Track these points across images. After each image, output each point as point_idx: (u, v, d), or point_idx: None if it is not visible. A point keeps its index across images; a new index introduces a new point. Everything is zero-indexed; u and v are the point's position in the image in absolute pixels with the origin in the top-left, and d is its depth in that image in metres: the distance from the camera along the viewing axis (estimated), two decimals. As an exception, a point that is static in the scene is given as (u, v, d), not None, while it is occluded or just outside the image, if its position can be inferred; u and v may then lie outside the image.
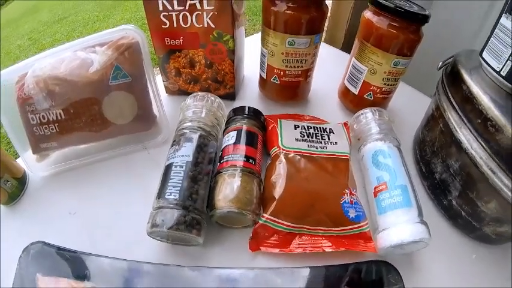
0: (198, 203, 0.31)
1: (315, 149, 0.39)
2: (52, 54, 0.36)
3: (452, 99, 0.35)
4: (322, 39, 0.71)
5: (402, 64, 0.41)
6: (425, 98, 0.52)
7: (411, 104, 0.50)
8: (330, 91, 0.53)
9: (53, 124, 0.37)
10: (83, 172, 0.40)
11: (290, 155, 0.37)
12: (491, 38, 0.33)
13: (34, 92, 0.35)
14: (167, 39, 0.43)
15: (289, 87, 0.46)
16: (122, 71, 0.37)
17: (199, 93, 0.40)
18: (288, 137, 0.39)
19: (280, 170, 0.35)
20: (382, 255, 0.32)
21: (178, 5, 0.40)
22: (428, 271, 0.33)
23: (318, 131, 0.41)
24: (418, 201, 0.34)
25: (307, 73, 0.45)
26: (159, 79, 0.49)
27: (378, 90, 0.44)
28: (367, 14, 0.42)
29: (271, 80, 0.46)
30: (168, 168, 0.33)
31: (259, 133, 0.38)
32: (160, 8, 0.40)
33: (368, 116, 0.41)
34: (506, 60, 0.30)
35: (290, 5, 0.38)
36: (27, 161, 0.38)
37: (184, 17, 0.41)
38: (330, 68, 0.53)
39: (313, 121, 0.44)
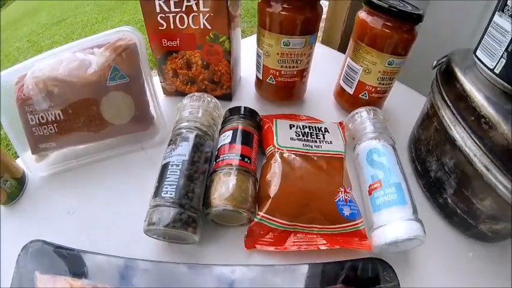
0: (194, 201, 0.32)
1: (310, 148, 0.39)
2: (51, 56, 0.37)
3: (446, 98, 0.36)
4: (319, 40, 0.73)
5: (396, 63, 0.42)
6: (421, 97, 0.53)
7: (407, 103, 0.51)
8: (326, 91, 0.54)
9: (52, 124, 0.38)
10: (81, 172, 0.41)
11: (285, 154, 0.38)
12: (485, 36, 0.34)
13: (33, 92, 0.36)
14: (164, 41, 0.44)
15: (284, 87, 0.47)
16: (119, 72, 0.38)
17: (196, 93, 0.41)
18: (283, 136, 0.40)
19: (275, 169, 0.36)
20: (377, 253, 0.33)
21: (175, 7, 0.41)
22: (424, 269, 0.34)
23: (313, 130, 0.42)
24: (413, 199, 0.34)
25: (302, 73, 0.46)
26: (156, 80, 0.50)
27: (373, 89, 0.45)
28: (362, 14, 0.43)
29: (267, 80, 0.47)
30: (164, 167, 0.34)
31: (254, 133, 0.39)
32: (158, 10, 0.41)
33: (363, 115, 0.42)
34: (500, 58, 0.31)
35: (285, 6, 0.39)
36: (26, 161, 0.39)
37: (181, 19, 0.42)
38: (326, 68, 0.54)
39: (309, 121, 0.45)
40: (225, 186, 0.33)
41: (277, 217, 0.33)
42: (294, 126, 0.42)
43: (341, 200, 0.35)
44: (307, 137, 0.41)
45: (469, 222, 0.35)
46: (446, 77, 0.37)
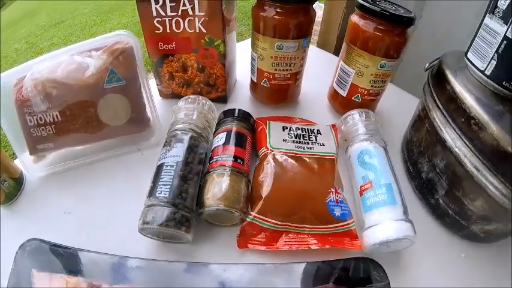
0: (188, 201, 0.33)
1: (302, 150, 0.41)
2: (50, 58, 0.39)
3: (437, 100, 0.37)
4: (315, 43, 0.74)
5: (389, 66, 0.43)
6: (415, 99, 0.54)
7: (401, 105, 0.52)
8: (320, 94, 0.55)
9: (50, 126, 0.39)
10: (78, 173, 0.42)
11: (277, 156, 0.39)
12: (476, 39, 0.35)
13: (32, 94, 0.37)
14: (161, 44, 0.46)
15: (279, 90, 0.48)
16: (116, 75, 0.39)
17: (191, 96, 0.42)
18: (276, 138, 0.41)
19: (268, 170, 0.37)
20: (368, 253, 0.34)
21: (171, 11, 0.42)
22: (416, 270, 0.35)
23: (305, 132, 0.43)
24: (404, 199, 0.35)
25: (296, 76, 0.48)
26: (152, 83, 0.51)
27: (366, 92, 0.46)
28: (354, 18, 0.44)
29: (261, 83, 0.48)
30: (159, 168, 0.35)
31: (248, 134, 0.41)
32: (154, 14, 0.42)
33: (355, 118, 0.43)
34: (490, 60, 0.32)
35: (278, 10, 0.40)
36: (24, 161, 0.40)
37: (177, 23, 0.43)
38: (321, 71, 0.56)
39: (302, 123, 0.46)
40: (218, 187, 0.34)
41: (269, 217, 0.34)
42: (286, 128, 0.43)
43: (332, 200, 0.36)
44: (299, 138, 0.42)
45: (461, 223, 0.36)
46: (438, 79, 0.38)
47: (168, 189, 0.33)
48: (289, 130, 0.43)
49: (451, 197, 0.36)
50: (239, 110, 0.42)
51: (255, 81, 0.49)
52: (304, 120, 0.48)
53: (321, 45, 0.72)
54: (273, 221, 0.34)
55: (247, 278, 0.31)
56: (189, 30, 0.44)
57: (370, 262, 0.33)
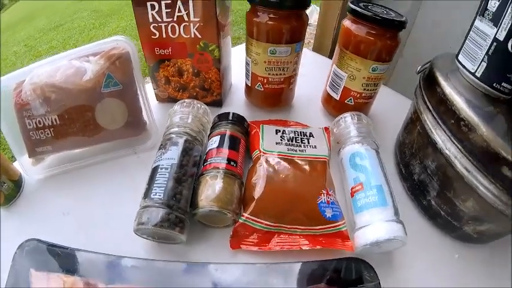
0: (182, 203, 0.34)
1: (294, 152, 0.42)
2: (48, 63, 0.40)
3: (427, 102, 0.38)
4: (311, 47, 0.76)
5: (380, 69, 0.45)
6: (409, 101, 0.54)
7: (395, 108, 0.53)
8: (314, 97, 0.56)
9: (49, 129, 0.40)
10: (76, 175, 0.43)
11: (270, 158, 0.40)
12: (466, 41, 0.36)
13: (31, 98, 0.38)
14: (157, 49, 0.47)
15: (272, 94, 0.50)
16: (113, 79, 0.40)
17: (186, 100, 0.43)
18: (269, 141, 0.43)
19: (260, 172, 0.39)
20: (360, 254, 0.34)
21: (167, 17, 0.44)
22: (408, 271, 0.35)
23: (298, 135, 0.45)
24: (395, 200, 0.36)
25: (289, 80, 0.49)
26: (149, 87, 0.53)
27: (358, 95, 0.48)
28: (346, 23, 0.45)
29: (256, 87, 0.50)
30: (154, 170, 0.36)
31: (241, 138, 0.42)
32: (150, 20, 0.44)
33: (347, 120, 0.44)
34: (481, 62, 0.33)
35: (271, 16, 0.42)
36: (23, 164, 0.41)
37: (173, 28, 0.45)
38: (316, 74, 0.57)
39: (296, 126, 0.48)
40: (211, 189, 0.35)
41: (261, 218, 0.36)
42: (279, 131, 0.45)
43: (323, 202, 0.37)
44: (292, 141, 0.44)
45: (453, 223, 0.37)
46: (429, 82, 0.39)
47: (163, 191, 0.34)
48: (282, 133, 0.45)
49: (443, 198, 0.37)
50: (233, 113, 0.44)
51: (250, 85, 0.51)
52: (298, 123, 0.49)
53: (317, 49, 0.74)
54: (265, 222, 0.36)
55: (240, 278, 0.32)
56: (185, 36, 0.45)
57: (360, 262, 0.33)
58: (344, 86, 0.48)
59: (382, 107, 0.54)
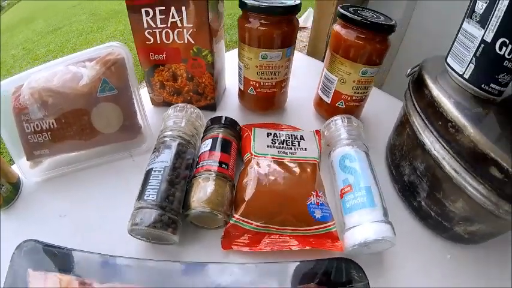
0: (175, 204, 0.36)
1: (285, 155, 0.44)
2: (46, 68, 0.42)
3: (416, 105, 0.39)
4: (305, 51, 0.78)
5: (370, 73, 0.46)
6: (401, 104, 0.56)
7: (388, 111, 0.53)
8: (307, 101, 0.58)
9: (46, 133, 0.42)
10: (73, 178, 0.45)
11: (261, 161, 0.42)
12: (455, 43, 0.37)
13: (29, 102, 0.40)
14: (151, 54, 0.49)
15: (265, 97, 0.52)
16: (109, 84, 0.42)
17: (180, 104, 0.45)
18: (260, 144, 0.45)
19: (251, 174, 0.40)
20: (350, 254, 0.35)
21: (161, 23, 0.45)
22: (399, 271, 0.36)
23: (289, 138, 0.46)
24: (384, 202, 0.37)
25: (281, 84, 0.51)
26: (145, 91, 0.55)
27: (349, 98, 0.49)
28: (336, 27, 0.47)
29: (248, 91, 0.51)
30: (148, 173, 0.38)
31: (233, 141, 0.44)
32: (145, 26, 0.46)
33: (337, 123, 0.46)
34: (469, 64, 0.34)
35: (262, 21, 0.44)
36: (21, 167, 0.43)
37: (167, 34, 0.47)
38: (310, 78, 0.59)
39: (288, 129, 0.50)
40: (203, 191, 0.37)
41: (251, 219, 0.37)
42: (271, 134, 0.47)
43: (312, 203, 0.38)
44: (283, 144, 0.45)
45: (444, 224, 0.38)
46: (418, 84, 0.40)
47: (156, 193, 0.35)
48: (273, 136, 0.46)
49: (433, 199, 0.38)
50: (226, 117, 0.45)
51: (242, 89, 0.53)
52: (291, 126, 0.51)
53: (311, 53, 0.76)
54: (256, 223, 0.37)
55: (230, 278, 0.33)
56: (178, 41, 0.47)
57: (350, 263, 0.34)
58: (335, 90, 0.50)
59: (374, 109, 0.56)
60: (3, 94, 0.40)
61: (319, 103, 0.54)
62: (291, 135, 0.47)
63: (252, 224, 0.37)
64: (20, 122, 0.41)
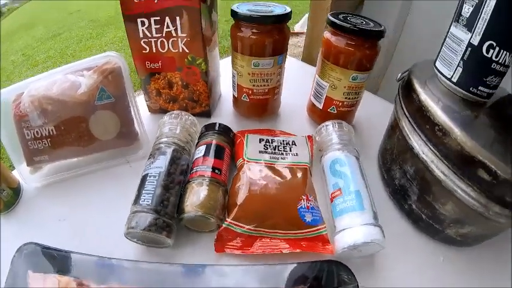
0: (169, 209, 0.38)
1: (276, 160, 0.46)
2: (46, 77, 0.44)
3: (404, 109, 0.40)
4: (300, 57, 0.80)
5: (360, 78, 0.48)
6: None
7: (381, 115, 0.54)
8: (299, 107, 0.60)
9: (46, 139, 0.44)
10: (72, 183, 0.47)
11: (253, 166, 0.44)
12: (443, 47, 0.38)
13: (29, 109, 0.42)
14: (148, 63, 0.51)
15: (258, 104, 0.54)
16: (106, 93, 0.44)
17: (175, 111, 0.47)
18: (252, 149, 0.47)
19: (243, 179, 0.42)
20: (342, 257, 0.37)
21: (156, 33, 0.48)
22: (393, 274, 0.38)
23: (280, 143, 0.48)
24: (373, 205, 0.38)
25: (274, 91, 0.53)
26: (141, 99, 0.57)
27: (340, 104, 0.51)
28: (326, 35, 0.49)
29: (242, 98, 0.54)
30: (143, 178, 0.40)
31: (227, 147, 0.46)
32: (141, 35, 0.48)
33: (329, 128, 0.47)
34: (456, 67, 0.35)
35: (254, 30, 0.46)
36: (22, 172, 0.45)
37: (162, 43, 0.49)
38: (303, 84, 0.61)
39: (282, 135, 0.52)
40: (196, 195, 0.39)
41: (243, 223, 0.39)
42: (263, 140, 0.49)
43: (303, 207, 0.40)
44: (274, 150, 0.47)
45: (435, 227, 0.39)
46: (407, 90, 0.41)
47: (151, 198, 0.37)
48: (266, 142, 0.48)
49: (423, 202, 0.39)
50: (219, 124, 0.48)
51: (236, 96, 0.55)
52: (284, 132, 0.53)
53: (306, 59, 0.78)
54: (247, 227, 0.39)
55: (223, 279, 0.35)
56: (173, 50, 0.49)
57: (339, 265, 0.35)
58: (326, 96, 0.51)
59: (368, 114, 0.57)
60: (3, 102, 0.42)
61: (312, 109, 0.56)
62: (283, 140, 0.49)
63: (244, 227, 0.39)
64: (21, 129, 0.43)
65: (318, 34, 0.72)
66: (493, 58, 0.33)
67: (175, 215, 0.39)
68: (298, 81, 0.62)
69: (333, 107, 0.52)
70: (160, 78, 0.53)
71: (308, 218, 0.40)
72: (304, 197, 0.41)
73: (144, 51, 0.50)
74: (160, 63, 0.51)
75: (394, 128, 0.44)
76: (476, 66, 0.34)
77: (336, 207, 0.40)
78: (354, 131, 0.49)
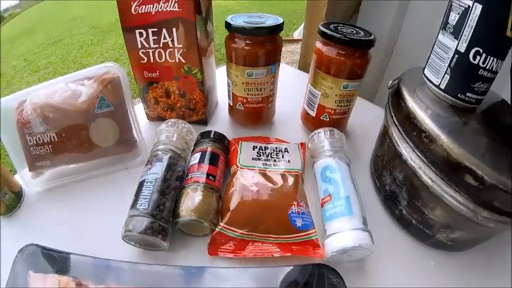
0: (165, 213, 0.40)
1: (269, 167, 0.48)
2: (47, 85, 0.46)
3: (393, 116, 0.41)
4: (296, 66, 0.82)
5: (351, 87, 0.50)
6: None
7: (375, 122, 0.53)
8: (293, 115, 0.62)
9: (47, 145, 0.46)
10: (72, 188, 0.49)
11: (245, 172, 0.46)
12: (431, 55, 0.39)
13: (32, 117, 0.44)
14: (146, 72, 0.54)
15: (252, 112, 0.56)
16: (105, 101, 0.47)
17: (171, 119, 0.50)
18: (245, 156, 0.49)
19: (236, 185, 0.44)
20: (332, 261, 0.38)
21: (154, 43, 0.50)
22: (383, 278, 0.39)
23: (273, 150, 0.51)
24: (363, 210, 0.40)
25: (268, 99, 0.55)
26: (140, 107, 0.59)
27: (332, 111, 0.53)
28: (318, 45, 0.51)
29: (237, 106, 0.56)
30: (141, 184, 0.42)
31: (221, 154, 0.48)
32: (139, 46, 0.51)
33: (320, 136, 0.50)
34: (444, 74, 0.37)
35: (247, 41, 0.48)
36: (24, 177, 0.47)
37: (159, 54, 0.51)
38: (298, 92, 0.63)
39: (276, 143, 0.54)
40: (191, 200, 0.41)
41: (235, 227, 0.41)
42: (256, 147, 0.51)
43: (294, 212, 0.42)
44: (267, 156, 0.50)
45: (426, 232, 0.40)
46: (396, 97, 0.42)
47: (147, 202, 0.40)
48: (259, 149, 0.51)
49: (412, 208, 0.40)
50: (214, 132, 0.50)
51: (231, 104, 0.57)
52: (278, 139, 0.55)
53: (302, 67, 0.80)
54: (240, 231, 0.41)
55: (215, 280, 0.37)
56: (170, 60, 0.52)
57: (328, 269, 0.36)
58: (319, 104, 0.54)
59: (362, 121, 0.59)
60: (7, 109, 0.45)
61: (306, 116, 0.59)
62: (276, 148, 0.52)
63: (236, 231, 0.41)
64: (23, 135, 0.45)
65: (314, 43, 0.73)
66: (480, 64, 0.34)
67: (170, 219, 0.41)
68: (294, 89, 0.64)
69: (326, 115, 0.54)
70: (158, 87, 0.56)
71: (299, 223, 0.41)
72: (295, 203, 0.43)
73: (142, 61, 0.52)
74: (158, 73, 0.54)
75: (384, 135, 0.45)
76: (463, 73, 0.36)
77: (326, 213, 0.41)
78: (345, 138, 0.51)
